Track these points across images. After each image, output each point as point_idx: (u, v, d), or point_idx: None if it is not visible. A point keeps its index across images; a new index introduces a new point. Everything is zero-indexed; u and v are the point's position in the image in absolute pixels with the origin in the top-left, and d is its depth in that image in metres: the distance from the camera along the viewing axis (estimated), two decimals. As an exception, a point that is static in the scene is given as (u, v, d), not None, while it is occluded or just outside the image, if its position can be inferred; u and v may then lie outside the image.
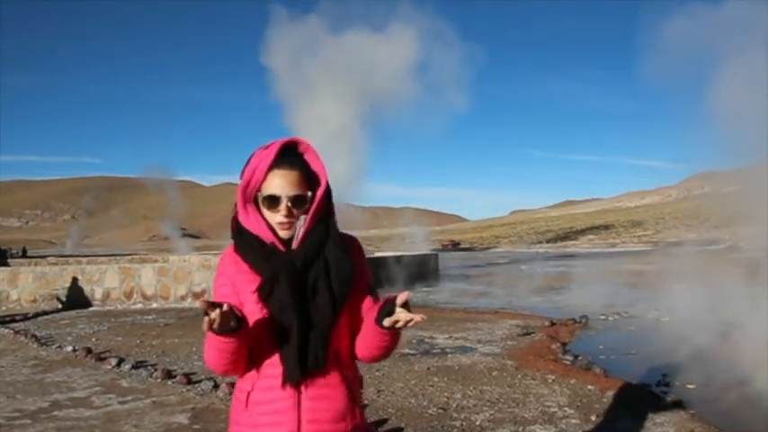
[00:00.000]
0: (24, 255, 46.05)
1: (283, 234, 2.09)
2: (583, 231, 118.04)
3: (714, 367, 7.82)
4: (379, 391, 7.01)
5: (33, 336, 11.27)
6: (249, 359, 2.10)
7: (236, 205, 2.13)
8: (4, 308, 16.83)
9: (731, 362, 7.99)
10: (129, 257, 27.02)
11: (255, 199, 2.10)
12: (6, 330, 12.16)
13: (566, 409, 6.26)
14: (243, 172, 2.10)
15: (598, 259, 41.92)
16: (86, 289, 17.08)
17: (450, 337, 10.74)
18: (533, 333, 11.04)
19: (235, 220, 2.15)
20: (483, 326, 11.97)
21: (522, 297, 18.31)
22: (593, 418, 5.96)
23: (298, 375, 2.01)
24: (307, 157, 2.15)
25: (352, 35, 29.04)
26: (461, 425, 5.80)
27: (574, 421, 5.86)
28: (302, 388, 2.04)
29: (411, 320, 1.92)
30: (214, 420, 5.93)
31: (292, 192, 2.07)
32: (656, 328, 11.77)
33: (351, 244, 2.21)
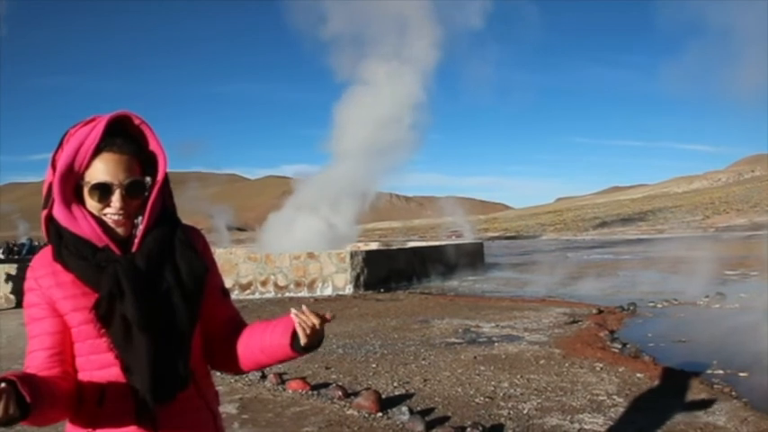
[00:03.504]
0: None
1: (120, 231, 1.68)
2: (630, 218, 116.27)
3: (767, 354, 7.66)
4: (425, 380, 7.03)
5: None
6: (78, 402, 1.69)
7: (48, 199, 1.67)
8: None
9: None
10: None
11: (77, 190, 1.67)
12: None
13: (614, 397, 6.20)
14: (55, 156, 1.66)
15: (646, 246, 41.29)
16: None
17: (497, 325, 10.70)
18: (580, 321, 10.93)
19: (48, 218, 1.68)
20: (529, 314, 11.89)
21: (569, 285, 18.14)
22: (643, 406, 5.89)
23: (152, 409, 1.64)
24: (140, 135, 1.75)
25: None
26: (509, 413, 5.79)
27: (623, 410, 5.81)
28: (159, 423, 1.68)
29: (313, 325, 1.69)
30: (261, 410, 6.01)
31: (127, 178, 1.66)
32: (706, 315, 11.57)
33: (196, 240, 1.84)
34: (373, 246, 26.29)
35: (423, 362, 7.99)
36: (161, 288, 1.68)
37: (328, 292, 16.99)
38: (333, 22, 29.00)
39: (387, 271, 18.78)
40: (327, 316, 1.72)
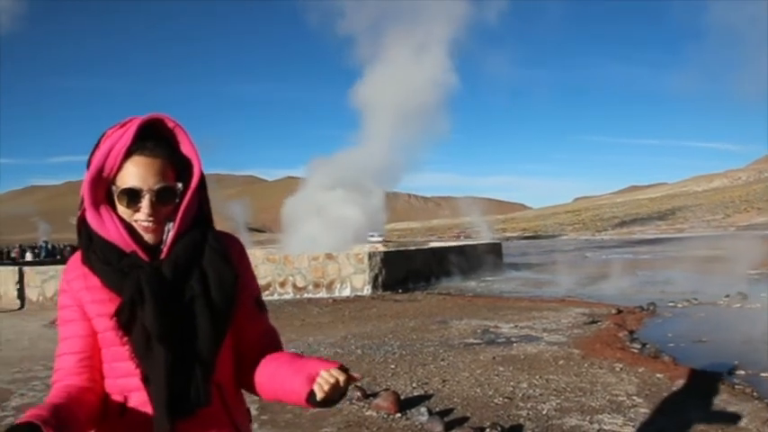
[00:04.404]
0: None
1: (148, 238, 1.64)
2: (649, 217, 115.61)
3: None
4: (444, 381, 7.03)
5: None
6: (103, 412, 1.67)
7: (82, 202, 1.65)
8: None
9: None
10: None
11: (109, 194, 1.64)
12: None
13: (634, 397, 6.17)
14: (90, 157, 1.64)
15: (665, 245, 41.03)
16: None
17: (516, 326, 10.68)
18: (600, 321, 10.88)
19: (82, 221, 1.66)
20: (548, 314, 11.86)
21: (588, 285, 18.06)
22: (663, 407, 5.86)
23: (168, 425, 1.57)
24: (174, 138, 1.71)
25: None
26: (528, 414, 5.78)
27: (643, 410, 5.78)
28: None
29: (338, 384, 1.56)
30: (280, 411, 6.03)
31: (157, 183, 1.62)
32: (727, 315, 11.48)
33: (231, 246, 1.76)
34: (387, 246, 26.28)
35: (441, 362, 7.99)
36: (186, 297, 1.62)
37: (347, 292, 17.03)
38: (355, 19, 29.37)
39: (405, 271, 18.80)
40: (356, 376, 1.61)
